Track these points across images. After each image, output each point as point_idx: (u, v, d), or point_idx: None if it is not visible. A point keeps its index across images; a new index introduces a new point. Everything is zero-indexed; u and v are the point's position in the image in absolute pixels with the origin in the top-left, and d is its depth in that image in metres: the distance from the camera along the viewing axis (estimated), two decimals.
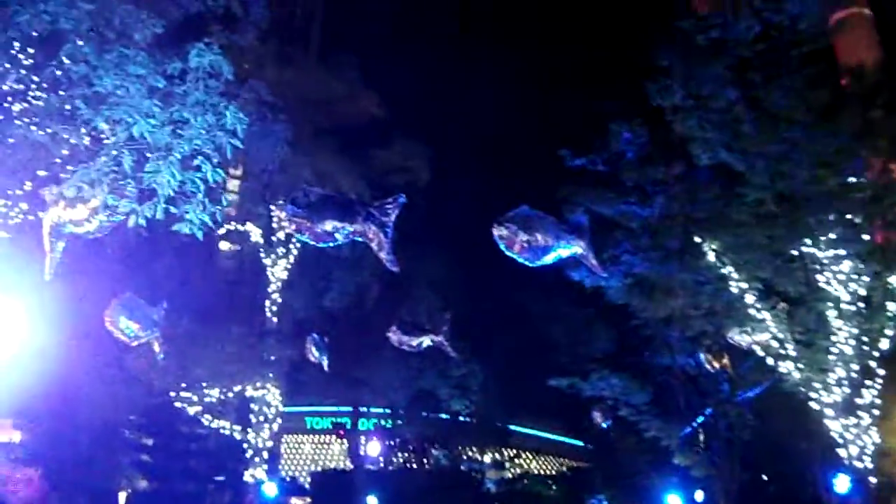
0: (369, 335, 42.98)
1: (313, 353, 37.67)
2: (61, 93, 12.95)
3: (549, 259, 19.07)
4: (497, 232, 18.16)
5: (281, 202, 15.82)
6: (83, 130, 13.16)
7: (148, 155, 12.54)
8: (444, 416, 52.45)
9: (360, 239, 18.06)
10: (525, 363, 48.10)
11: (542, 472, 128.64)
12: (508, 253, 18.37)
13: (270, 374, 38.36)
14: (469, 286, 46.36)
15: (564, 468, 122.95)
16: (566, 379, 42.77)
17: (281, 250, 38.32)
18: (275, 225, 35.41)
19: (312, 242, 17.77)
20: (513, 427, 72.45)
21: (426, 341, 33.57)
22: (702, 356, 36.82)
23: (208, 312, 35.91)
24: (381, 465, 68.66)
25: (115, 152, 12.43)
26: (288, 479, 62.99)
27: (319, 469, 68.03)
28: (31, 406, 37.32)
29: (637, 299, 38.59)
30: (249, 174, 32.47)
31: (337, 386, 46.26)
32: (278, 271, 38.67)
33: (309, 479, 65.55)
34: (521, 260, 18.59)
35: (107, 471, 39.93)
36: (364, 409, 52.21)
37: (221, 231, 36.82)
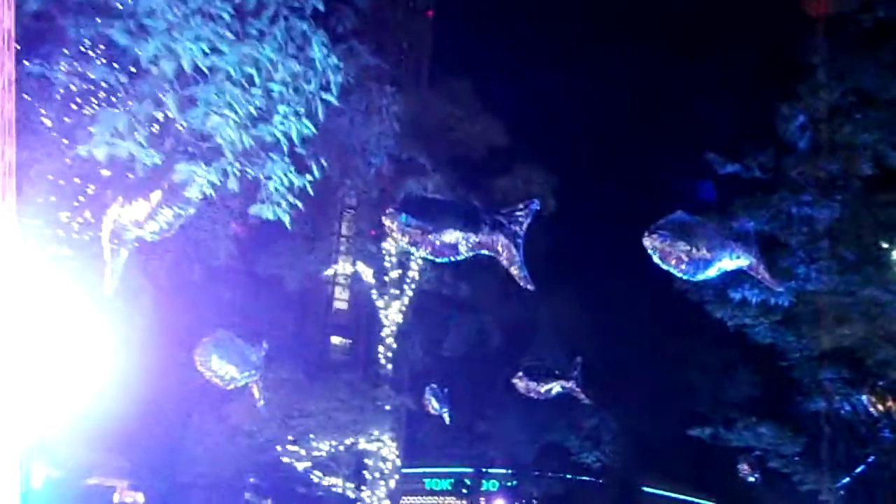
0: (492, 386, 40.12)
1: (433, 406, 35.07)
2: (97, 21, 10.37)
3: (711, 273, 15.97)
4: (650, 243, 15.12)
5: (392, 210, 13.06)
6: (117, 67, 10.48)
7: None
8: (570, 475, 49.02)
9: (486, 253, 15.30)
10: (661, 412, 44.30)
11: None
12: (664, 266, 15.36)
13: (386, 426, 35.35)
14: (599, 328, 42.85)
15: None
16: (708, 428, 39.03)
17: (394, 291, 35.69)
18: (385, 258, 32.43)
19: (430, 257, 15.08)
20: (644, 488, 68.93)
21: (556, 388, 30.52)
22: (864, 398, 32.78)
23: (314, 357, 33.48)
24: None
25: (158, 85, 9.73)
26: None
27: None
28: (137, 463, 35.61)
29: (786, 336, 35.08)
30: (354, 184, 29.21)
31: (457, 442, 43.25)
32: (392, 314, 35.94)
33: None
34: (678, 274, 15.57)
35: None
36: (487, 468, 48.71)
37: (329, 272, 34.35)
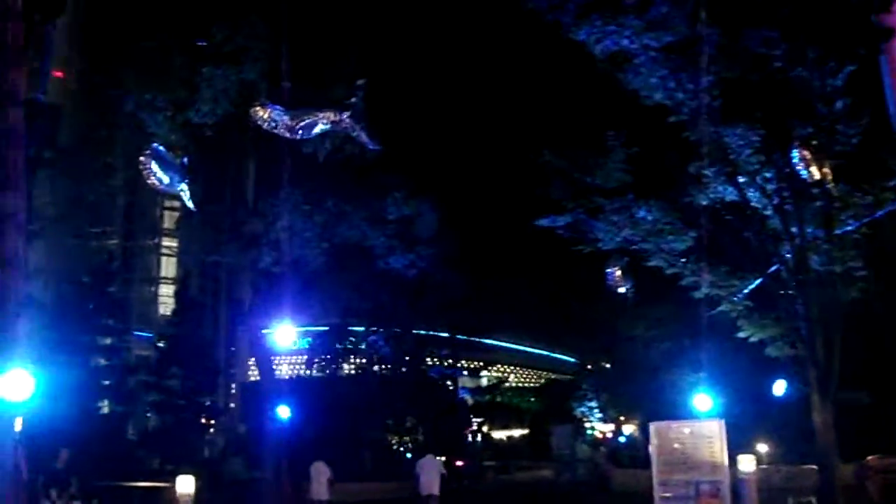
0: (263, 161, 28.18)
1: (155, 174, 22.90)
2: None
3: None
4: None
5: None
6: None
7: None
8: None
9: None
10: (499, 197, 32.59)
11: (521, 385, 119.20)
12: None
13: None
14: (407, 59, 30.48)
15: (543, 381, 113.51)
16: (564, 217, 27.94)
17: None
18: None
19: None
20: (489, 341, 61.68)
21: (321, 123, 18.81)
22: (796, 153, 22.16)
23: None
24: (323, 369, 55.55)
25: None
26: None
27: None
28: None
29: (681, 75, 24.13)
30: None
31: (226, 248, 31.12)
32: None
33: None
34: None
35: None
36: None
37: None
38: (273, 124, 18.47)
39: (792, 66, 24.25)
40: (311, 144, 27.08)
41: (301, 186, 28.07)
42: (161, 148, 23.19)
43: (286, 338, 31.12)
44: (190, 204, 24.81)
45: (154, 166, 22.73)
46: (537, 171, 29.44)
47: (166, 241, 70.40)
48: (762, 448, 34.57)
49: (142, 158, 22.77)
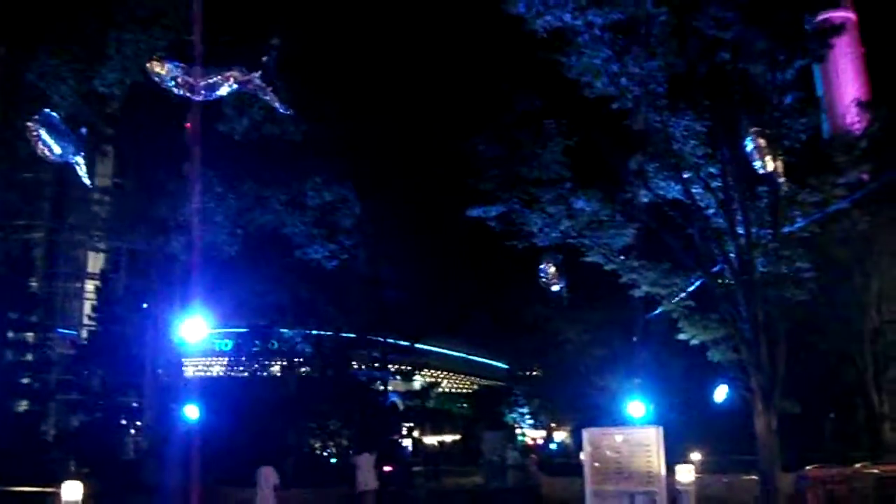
0: (176, 140, 26.03)
1: (46, 143, 20.87)
2: None
3: None
4: None
5: None
6: None
7: None
8: None
9: None
10: (426, 185, 30.48)
11: (453, 390, 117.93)
12: None
13: None
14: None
15: (476, 386, 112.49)
16: (496, 207, 26.13)
17: None
18: None
19: None
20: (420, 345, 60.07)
21: (228, 83, 16.79)
22: (749, 142, 20.82)
23: None
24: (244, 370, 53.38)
25: None
26: None
27: None
28: None
29: (626, 60, 22.52)
30: None
31: (135, 232, 28.75)
32: None
33: None
34: None
35: None
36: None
37: None
38: (171, 81, 16.45)
39: (741, 57, 22.99)
40: (226, 122, 25.25)
41: (215, 167, 25.95)
42: (53, 115, 21.08)
43: (196, 333, 28.69)
44: (86, 179, 22.69)
45: (43, 134, 20.63)
46: (471, 160, 27.60)
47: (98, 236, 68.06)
48: (696, 457, 33.22)
49: (29, 124, 20.69)
